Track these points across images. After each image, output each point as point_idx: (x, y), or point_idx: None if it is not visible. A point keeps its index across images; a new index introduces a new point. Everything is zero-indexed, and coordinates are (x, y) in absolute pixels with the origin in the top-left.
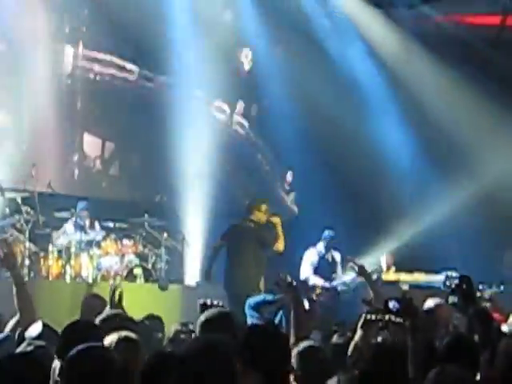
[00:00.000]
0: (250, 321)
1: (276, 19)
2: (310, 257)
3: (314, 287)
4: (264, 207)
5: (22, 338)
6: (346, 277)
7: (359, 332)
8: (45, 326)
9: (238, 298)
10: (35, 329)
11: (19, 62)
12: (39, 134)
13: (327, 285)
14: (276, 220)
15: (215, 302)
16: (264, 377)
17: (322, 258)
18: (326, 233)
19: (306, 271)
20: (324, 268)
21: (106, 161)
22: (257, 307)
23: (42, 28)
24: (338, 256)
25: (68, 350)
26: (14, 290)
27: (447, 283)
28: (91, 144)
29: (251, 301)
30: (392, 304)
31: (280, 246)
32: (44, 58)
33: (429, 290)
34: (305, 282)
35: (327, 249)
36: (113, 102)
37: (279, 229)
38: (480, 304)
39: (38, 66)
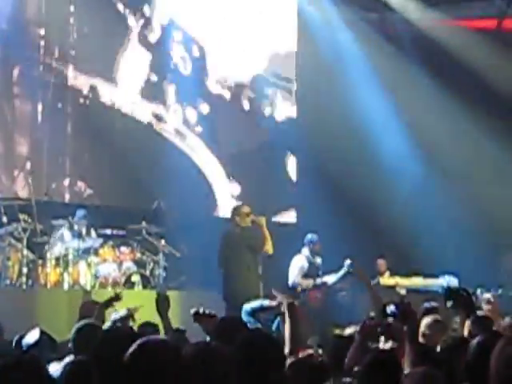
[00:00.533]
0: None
1: None
2: (298, 262)
3: (305, 290)
4: (247, 209)
5: (19, 345)
6: (331, 277)
7: (357, 337)
8: (42, 332)
9: (238, 310)
10: (33, 336)
11: None
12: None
13: (318, 281)
14: (261, 221)
15: (207, 311)
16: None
17: (310, 263)
18: (309, 237)
19: (295, 276)
20: (312, 272)
21: (101, 167)
22: (253, 313)
23: None
24: (319, 260)
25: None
26: None
27: (446, 295)
28: (85, 150)
29: (247, 307)
30: (390, 309)
31: (268, 247)
32: None
33: (427, 294)
34: (293, 288)
35: (312, 253)
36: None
37: (265, 230)
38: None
39: None
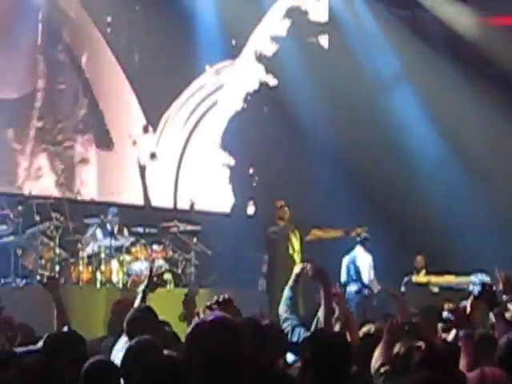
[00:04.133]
0: (286, 324)
1: None
2: (368, 260)
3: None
4: (280, 203)
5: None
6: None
7: (385, 336)
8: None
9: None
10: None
11: None
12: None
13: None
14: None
15: (221, 298)
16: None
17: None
18: (364, 235)
19: (371, 275)
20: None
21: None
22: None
23: None
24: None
25: None
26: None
27: (470, 289)
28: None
29: (282, 300)
30: (445, 315)
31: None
32: None
33: (460, 292)
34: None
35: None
36: None
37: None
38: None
39: None
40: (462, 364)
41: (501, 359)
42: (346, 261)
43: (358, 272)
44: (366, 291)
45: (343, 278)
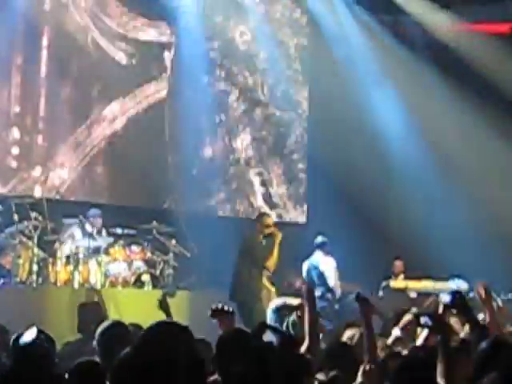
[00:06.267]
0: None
1: None
2: (333, 264)
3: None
4: (269, 220)
5: (16, 344)
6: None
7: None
8: (39, 332)
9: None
10: (30, 334)
11: None
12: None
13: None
14: (278, 236)
15: (225, 307)
16: None
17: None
18: (321, 239)
19: (335, 280)
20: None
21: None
22: (277, 311)
23: None
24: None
25: None
26: None
27: (441, 299)
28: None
29: (273, 304)
30: (424, 319)
31: (271, 264)
32: None
33: (437, 297)
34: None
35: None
36: None
37: (276, 246)
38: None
39: None
40: (439, 370)
41: (480, 363)
42: (306, 266)
43: (320, 276)
44: (329, 295)
45: None
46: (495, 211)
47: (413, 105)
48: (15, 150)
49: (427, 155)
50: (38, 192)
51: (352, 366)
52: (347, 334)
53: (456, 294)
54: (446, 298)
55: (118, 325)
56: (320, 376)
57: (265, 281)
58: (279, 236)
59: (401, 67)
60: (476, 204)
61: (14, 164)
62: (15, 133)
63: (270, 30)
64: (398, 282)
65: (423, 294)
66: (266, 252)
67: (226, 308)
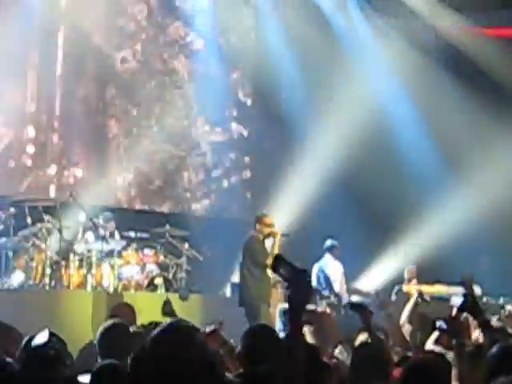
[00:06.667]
0: (278, 327)
1: None
2: (340, 269)
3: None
4: (269, 220)
5: (28, 347)
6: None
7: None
8: (51, 334)
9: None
10: (42, 337)
11: None
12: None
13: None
14: (276, 236)
15: (207, 330)
16: None
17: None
18: (331, 243)
19: (342, 284)
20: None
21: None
22: (286, 313)
23: None
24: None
25: None
26: None
27: (453, 302)
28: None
29: (281, 307)
30: (440, 324)
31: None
32: None
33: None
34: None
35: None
36: None
37: (275, 246)
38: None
39: None
40: (453, 373)
41: (491, 368)
42: (315, 269)
43: (327, 280)
44: (335, 300)
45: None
46: (510, 213)
47: (425, 108)
48: (30, 149)
49: (439, 157)
50: (52, 190)
51: None
52: (360, 339)
53: (467, 297)
54: (457, 301)
55: (118, 325)
56: None
57: (272, 281)
58: (278, 235)
59: (413, 70)
60: (491, 208)
61: (29, 162)
62: (30, 131)
63: None
64: (411, 287)
65: (436, 299)
66: (266, 252)
67: (207, 330)
